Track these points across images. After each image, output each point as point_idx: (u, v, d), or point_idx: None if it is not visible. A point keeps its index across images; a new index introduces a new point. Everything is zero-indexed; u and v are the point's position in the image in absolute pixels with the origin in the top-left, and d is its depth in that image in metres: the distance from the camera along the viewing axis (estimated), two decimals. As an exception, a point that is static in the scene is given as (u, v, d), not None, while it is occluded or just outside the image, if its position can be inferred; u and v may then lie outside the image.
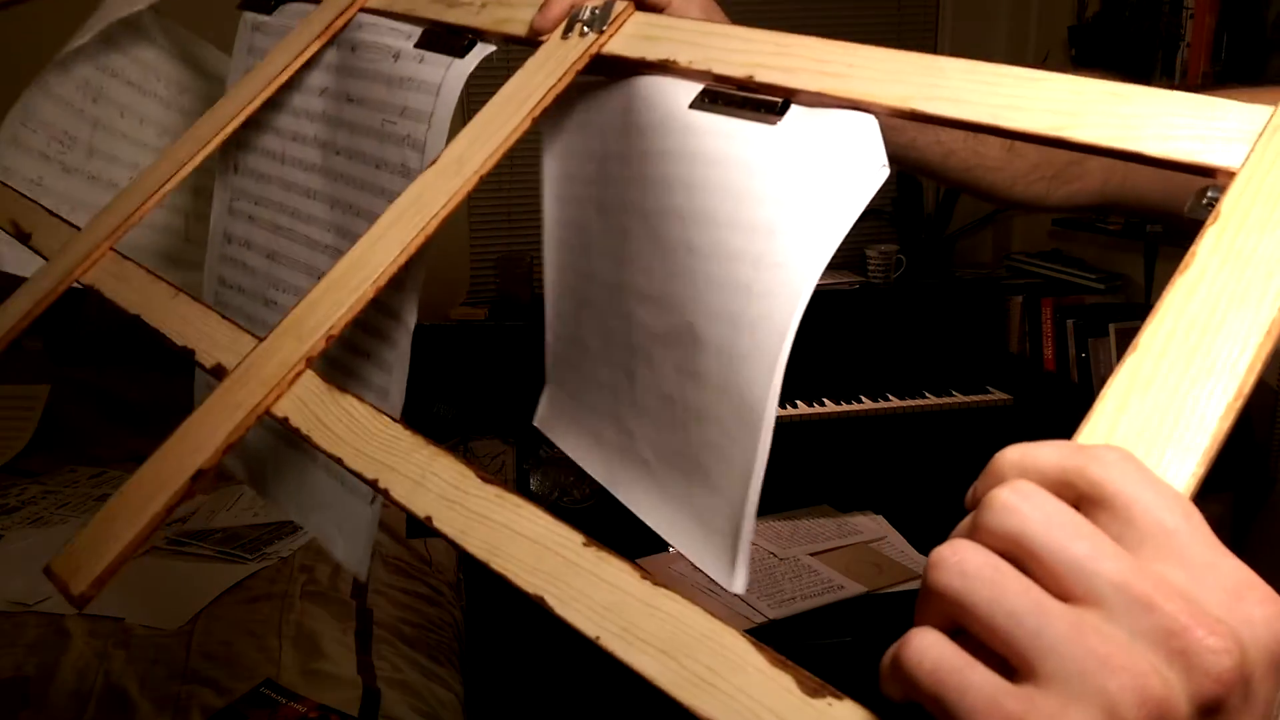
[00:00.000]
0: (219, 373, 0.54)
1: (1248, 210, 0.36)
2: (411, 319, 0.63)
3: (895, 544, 1.94)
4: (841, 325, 2.40)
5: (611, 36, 0.58)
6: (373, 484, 0.44)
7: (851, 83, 0.48)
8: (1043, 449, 0.30)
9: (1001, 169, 0.67)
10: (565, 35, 0.59)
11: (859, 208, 0.45)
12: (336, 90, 0.73)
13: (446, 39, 0.66)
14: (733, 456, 0.46)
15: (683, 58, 0.54)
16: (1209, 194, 0.38)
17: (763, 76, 0.51)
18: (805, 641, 1.63)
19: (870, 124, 0.47)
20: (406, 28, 0.69)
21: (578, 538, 0.39)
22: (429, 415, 2.22)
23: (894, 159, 0.69)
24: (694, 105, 0.53)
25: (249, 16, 0.81)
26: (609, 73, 0.59)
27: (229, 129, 0.70)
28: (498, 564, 0.39)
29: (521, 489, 1.55)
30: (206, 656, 1.43)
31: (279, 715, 1.26)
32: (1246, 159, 0.37)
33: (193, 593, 1.63)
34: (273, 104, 0.75)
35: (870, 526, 2.00)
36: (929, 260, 2.75)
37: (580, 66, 0.57)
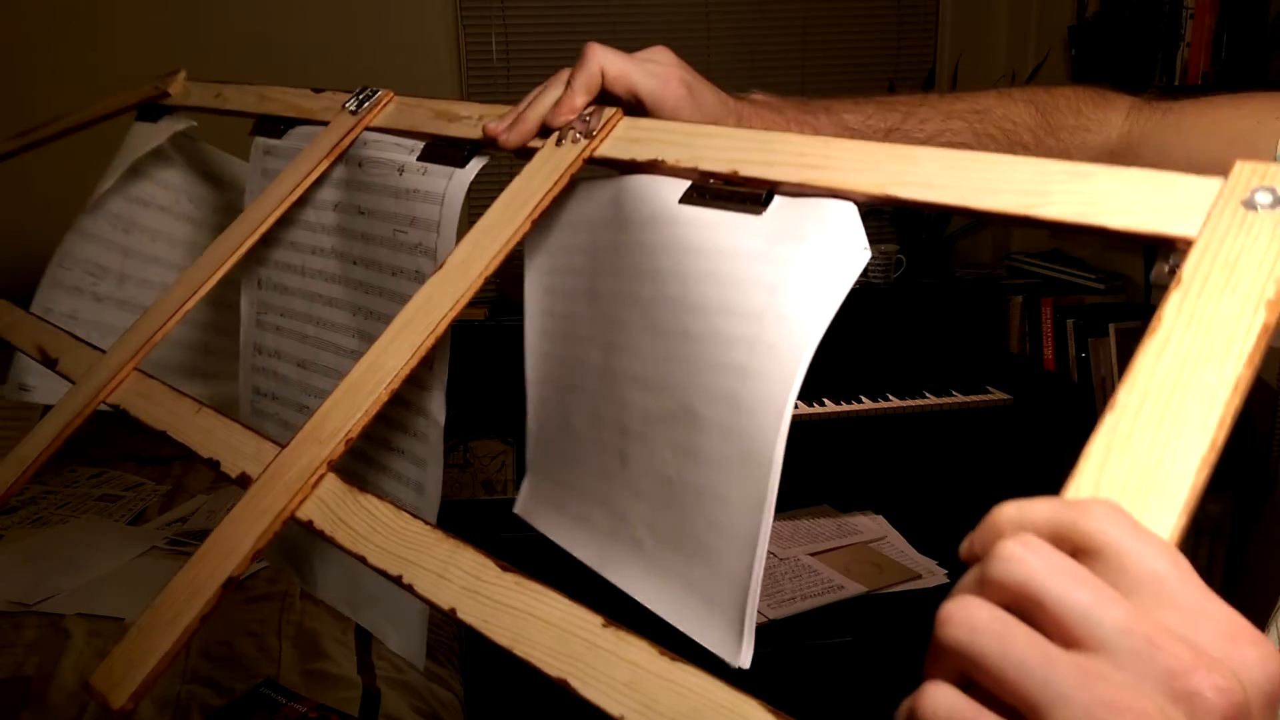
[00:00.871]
0: (244, 481, 0.56)
1: (1206, 275, 0.38)
2: (441, 414, 0.65)
3: (895, 544, 1.93)
4: (841, 325, 2.34)
5: (602, 141, 0.61)
6: (397, 579, 0.46)
7: (830, 173, 0.51)
8: (1036, 505, 0.32)
9: None
10: (559, 142, 0.63)
11: (844, 290, 0.48)
12: (347, 204, 0.76)
13: (446, 151, 0.70)
14: (736, 532, 0.48)
15: (670, 157, 0.58)
16: (1171, 261, 0.40)
17: (746, 171, 0.54)
18: (805, 641, 1.62)
19: (850, 211, 0.50)
20: (409, 143, 0.73)
21: (596, 619, 0.40)
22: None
23: None
24: (683, 200, 0.57)
25: (260, 141, 0.85)
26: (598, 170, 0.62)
27: (245, 247, 0.73)
28: (521, 650, 0.41)
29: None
30: (206, 656, 1.43)
31: (279, 715, 1.27)
32: (1202, 228, 0.40)
33: (194, 594, 1.65)
34: (289, 221, 0.78)
35: (870, 526, 1.99)
36: (929, 260, 2.74)
37: (575, 170, 0.61)
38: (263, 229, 0.74)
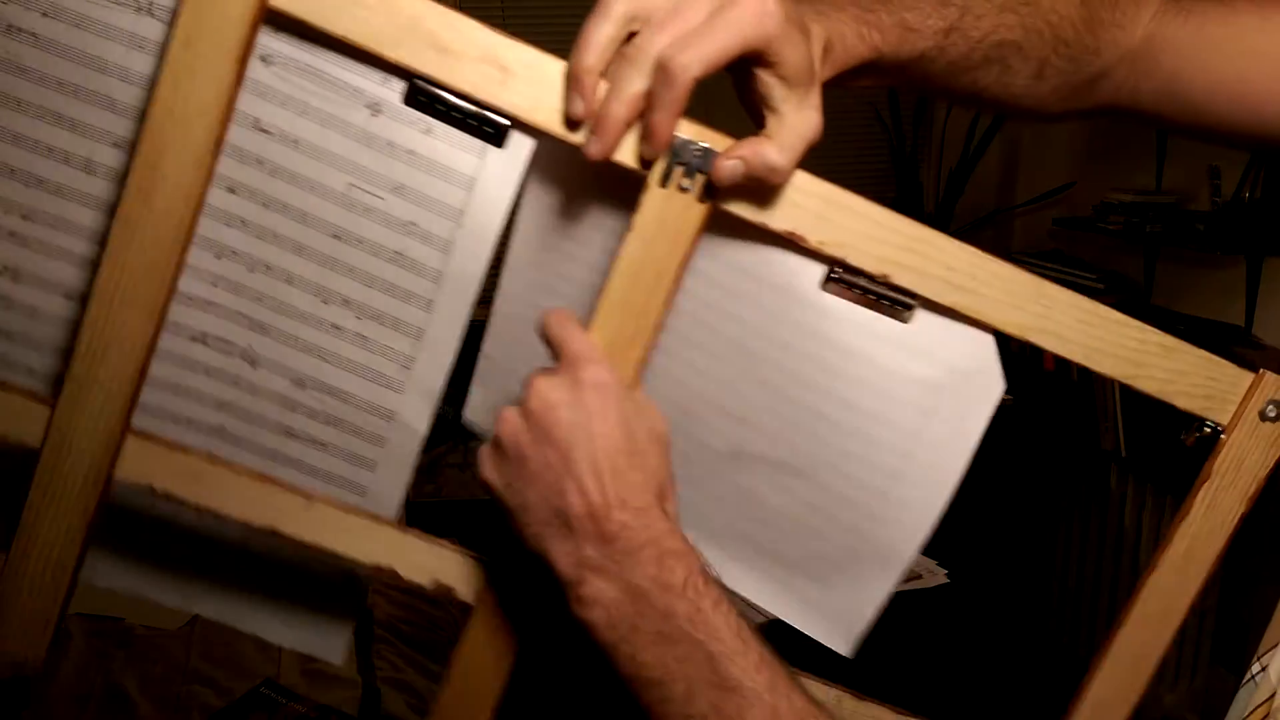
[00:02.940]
0: (447, 593, 0.59)
1: (1224, 473, 0.60)
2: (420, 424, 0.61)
3: (895, 543, 1.88)
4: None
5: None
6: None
7: (979, 301, 0.57)
8: None
9: (1029, 94, 0.65)
10: (664, 182, 0.53)
11: (988, 417, 0.60)
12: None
13: (455, 110, 0.53)
14: (855, 578, 0.63)
15: (811, 235, 0.55)
16: (1205, 427, 0.60)
17: (898, 279, 0.56)
18: (805, 641, 1.60)
19: (990, 344, 0.58)
20: (373, 72, 0.53)
21: None
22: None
23: (936, 97, 0.66)
24: (825, 287, 0.57)
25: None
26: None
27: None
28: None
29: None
30: (206, 657, 1.46)
31: (279, 715, 1.32)
32: (1230, 430, 0.59)
33: (192, 591, 1.53)
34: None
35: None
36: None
37: (700, 230, 0.55)
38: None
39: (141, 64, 0.53)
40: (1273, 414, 0.59)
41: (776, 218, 0.55)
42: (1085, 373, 2.62)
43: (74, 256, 0.57)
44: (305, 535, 0.58)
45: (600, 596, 0.50)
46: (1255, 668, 0.61)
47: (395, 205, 0.56)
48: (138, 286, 0.53)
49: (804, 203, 0.55)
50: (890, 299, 0.58)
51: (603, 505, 0.50)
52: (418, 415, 0.60)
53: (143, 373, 0.55)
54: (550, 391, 0.51)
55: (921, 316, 0.58)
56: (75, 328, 0.57)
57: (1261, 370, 0.59)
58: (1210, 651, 2.04)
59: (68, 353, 0.58)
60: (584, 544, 0.50)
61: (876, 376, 0.59)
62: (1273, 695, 0.58)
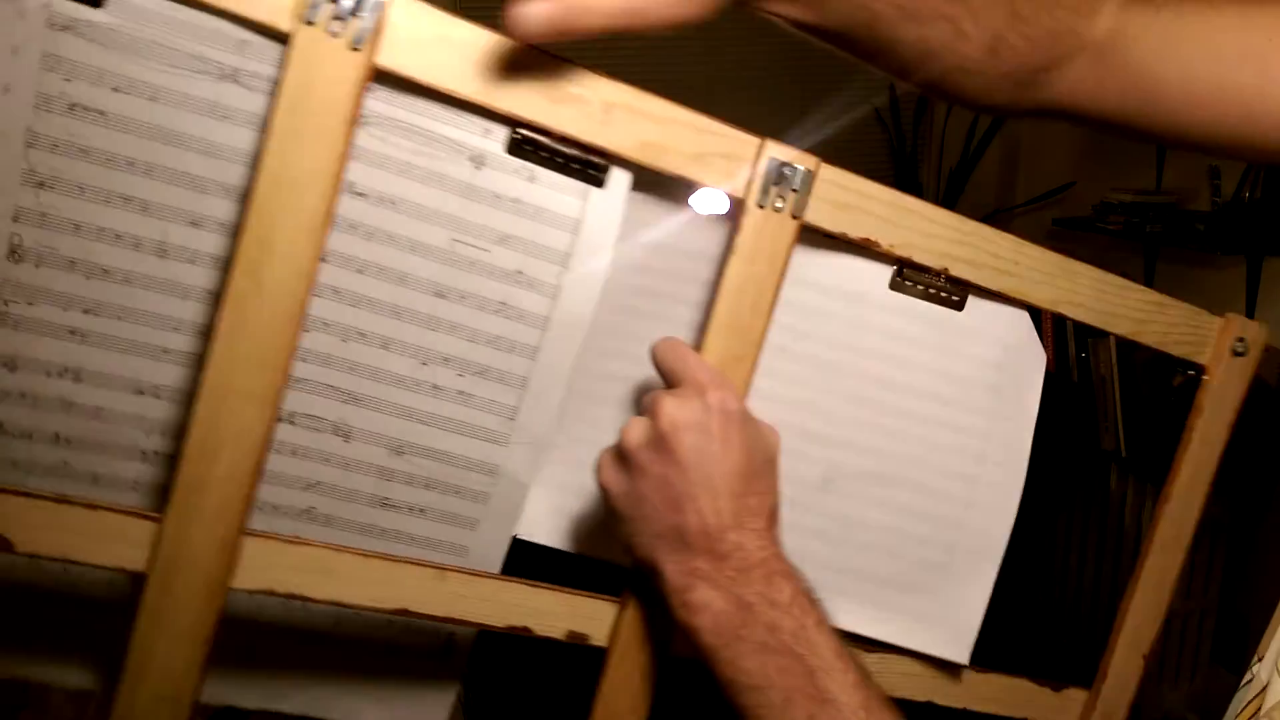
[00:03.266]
0: (578, 640, 0.58)
1: (1211, 410, 0.70)
2: (523, 473, 0.60)
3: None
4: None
5: (807, 204, 0.57)
6: None
7: (1020, 282, 0.64)
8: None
9: (981, 73, 0.59)
10: (761, 203, 0.56)
11: (1040, 387, 0.66)
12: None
13: (558, 154, 0.54)
14: (962, 577, 0.66)
15: (884, 239, 0.60)
16: (1190, 370, 0.70)
17: (955, 270, 0.62)
18: None
19: (1026, 319, 0.65)
20: (477, 121, 0.52)
21: None
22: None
23: (875, 56, 0.58)
24: (893, 287, 0.62)
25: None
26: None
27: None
28: None
29: None
30: None
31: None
32: (1212, 372, 0.69)
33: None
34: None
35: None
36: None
37: (793, 245, 0.58)
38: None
39: (225, 135, 0.49)
40: (1241, 350, 0.70)
41: (855, 226, 0.59)
42: (1085, 373, 2.31)
43: (146, 348, 0.52)
44: (439, 611, 0.55)
45: (709, 604, 0.51)
46: (1256, 667, 0.60)
47: (501, 256, 0.55)
48: (251, 375, 0.49)
49: (876, 210, 0.59)
50: (947, 289, 0.63)
51: (718, 527, 0.52)
52: (523, 466, 0.59)
53: (260, 469, 0.51)
54: (678, 412, 0.52)
55: (971, 302, 0.64)
56: (148, 424, 0.53)
57: (1228, 314, 0.69)
58: (1210, 651, 2.06)
59: (140, 453, 0.53)
60: (696, 558, 0.52)
61: (948, 363, 0.64)
62: (1263, 690, 0.58)
